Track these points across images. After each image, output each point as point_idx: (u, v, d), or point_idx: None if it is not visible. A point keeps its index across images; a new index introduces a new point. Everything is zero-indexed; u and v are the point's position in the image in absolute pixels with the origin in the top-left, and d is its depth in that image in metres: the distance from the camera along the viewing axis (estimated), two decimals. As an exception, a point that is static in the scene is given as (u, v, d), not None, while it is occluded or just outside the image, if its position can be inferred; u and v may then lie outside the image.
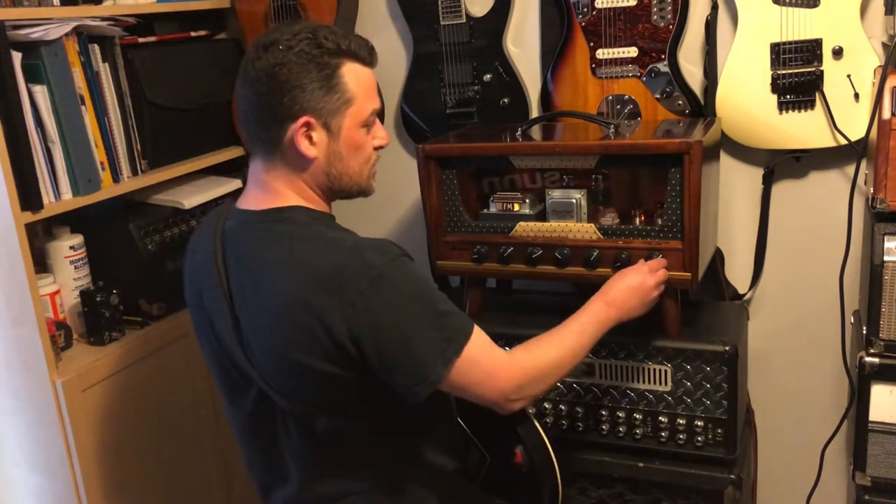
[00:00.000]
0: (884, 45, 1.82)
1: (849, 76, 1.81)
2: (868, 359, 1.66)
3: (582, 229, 1.76)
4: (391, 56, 2.28)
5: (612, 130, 1.76)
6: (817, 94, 1.84)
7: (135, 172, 2.00)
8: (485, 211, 1.87)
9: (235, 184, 2.22)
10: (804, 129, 1.88)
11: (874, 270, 1.62)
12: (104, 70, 1.91)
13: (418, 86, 2.23)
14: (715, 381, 1.72)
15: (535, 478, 1.46)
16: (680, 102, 1.98)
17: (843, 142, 1.85)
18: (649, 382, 1.77)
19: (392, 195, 2.38)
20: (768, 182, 2.03)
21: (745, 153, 2.03)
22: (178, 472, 2.02)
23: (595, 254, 1.73)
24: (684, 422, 1.75)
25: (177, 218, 2.06)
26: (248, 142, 1.33)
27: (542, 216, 1.83)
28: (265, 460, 1.40)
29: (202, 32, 2.29)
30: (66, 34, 1.76)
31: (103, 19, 1.88)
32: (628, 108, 2.01)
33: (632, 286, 1.53)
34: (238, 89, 1.31)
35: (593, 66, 2.01)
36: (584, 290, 2.13)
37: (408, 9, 2.17)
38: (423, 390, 1.24)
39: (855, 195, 1.89)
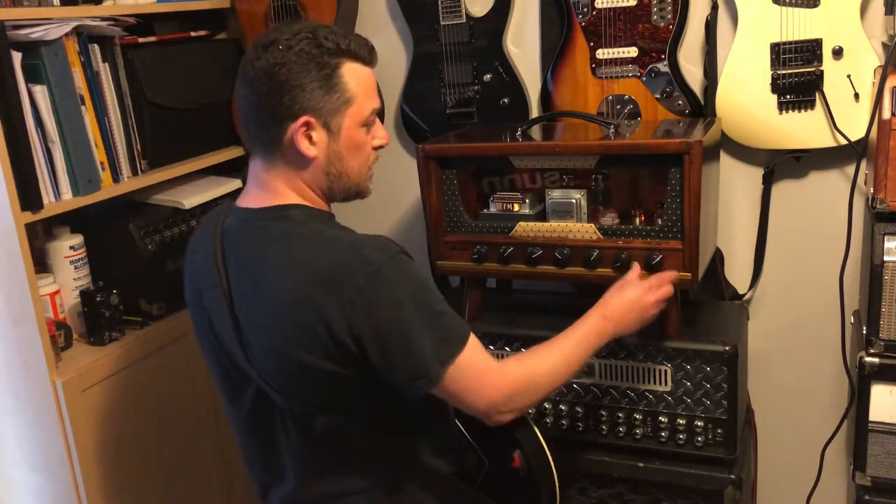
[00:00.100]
0: (884, 45, 1.82)
1: (849, 76, 1.81)
2: (868, 359, 1.66)
3: (582, 229, 1.76)
4: (391, 56, 2.28)
5: (612, 130, 1.76)
6: (817, 94, 1.84)
7: (135, 172, 2.00)
8: (485, 211, 1.87)
9: (235, 184, 2.22)
10: (804, 129, 1.88)
11: (874, 270, 1.62)
12: (104, 70, 1.91)
13: (418, 86, 2.23)
14: (715, 381, 1.72)
15: (533, 483, 1.45)
16: (680, 102, 1.98)
17: (843, 142, 1.85)
18: (649, 382, 1.77)
19: (392, 195, 2.38)
20: (768, 182, 2.03)
21: (745, 153, 2.03)
22: (178, 472, 2.02)
23: (595, 254, 1.73)
24: (684, 422, 1.75)
25: (177, 218, 2.06)
26: (248, 141, 1.33)
27: (542, 216, 1.83)
28: (264, 459, 1.40)
29: (202, 32, 2.29)
30: (66, 34, 1.76)
31: (103, 19, 1.88)
32: (628, 108, 2.01)
33: (630, 301, 1.51)
34: (238, 89, 1.31)
35: (593, 66, 2.01)
36: (584, 290, 2.15)
37: (408, 9, 2.17)
38: (424, 386, 1.24)
39: (855, 195, 1.89)
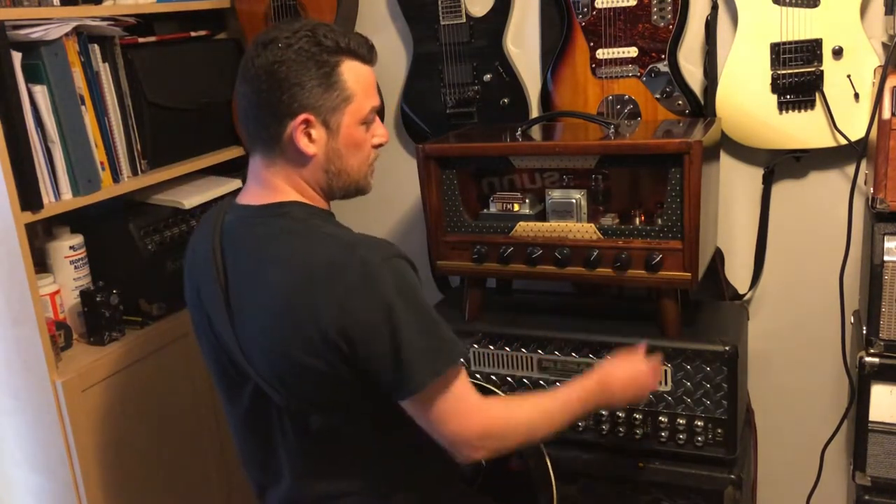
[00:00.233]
0: (884, 45, 1.82)
1: (849, 76, 1.81)
2: (868, 359, 1.66)
3: (582, 229, 1.76)
4: (391, 56, 2.28)
5: (612, 130, 1.76)
6: (817, 94, 1.84)
7: (135, 172, 2.00)
8: (485, 211, 1.87)
9: (235, 184, 2.22)
10: (804, 129, 1.88)
11: (874, 270, 1.62)
12: (104, 70, 1.91)
13: (418, 86, 2.23)
14: (715, 381, 1.72)
15: (531, 484, 1.45)
16: (680, 102, 1.98)
17: (843, 142, 1.85)
18: (649, 382, 1.77)
19: (392, 195, 2.38)
20: (768, 182, 2.03)
21: (745, 153, 2.03)
22: (178, 472, 2.02)
23: (595, 254, 1.73)
24: (684, 422, 1.75)
25: (177, 218, 2.07)
26: (248, 139, 1.33)
27: (542, 216, 1.83)
28: (261, 458, 1.40)
29: (202, 32, 2.29)
30: (66, 34, 1.76)
31: (103, 19, 1.88)
32: (628, 108, 2.01)
33: (632, 376, 1.46)
34: (238, 87, 1.31)
35: (593, 66, 2.01)
36: (584, 290, 2.16)
37: (408, 9, 2.17)
38: (404, 393, 1.22)
39: (855, 195, 1.89)
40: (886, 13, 1.79)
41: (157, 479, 1.97)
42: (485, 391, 1.52)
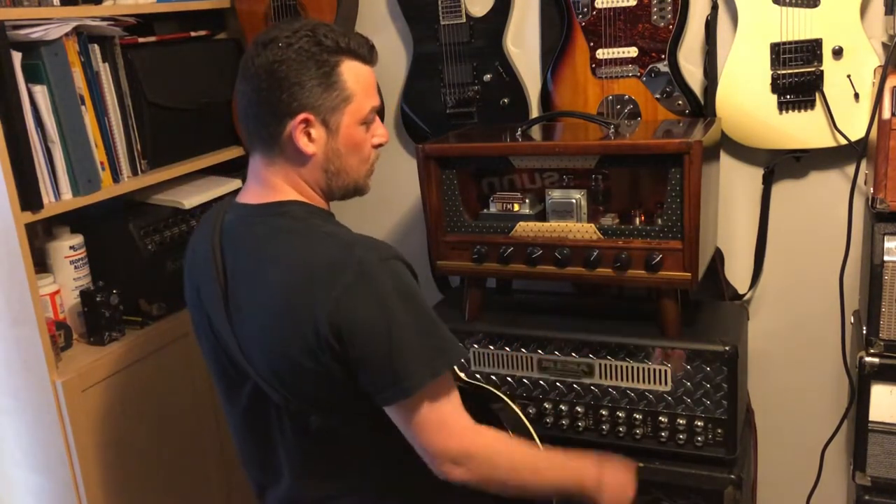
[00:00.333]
0: (884, 45, 1.82)
1: (849, 76, 1.81)
2: (868, 359, 1.66)
3: (582, 229, 1.76)
4: (391, 56, 2.28)
5: (612, 130, 1.76)
6: (817, 94, 1.84)
7: (135, 172, 2.00)
8: (485, 211, 1.87)
9: (235, 184, 2.22)
10: (804, 129, 1.88)
11: (874, 270, 1.62)
12: (104, 70, 1.91)
13: (418, 86, 2.23)
14: (715, 381, 1.72)
15: None
16: (680, 102, 1.98)
17: (843, 142, 1.85)
18: (649, 382, 1.77)
19: (392, 195, 2.38)
20: (768, 182, 2.03)
21: (745, 153, 2.03)
22: (178, 472, 2.02)
23: (595, 254, 1.73)
24: (684, 422, 1.75)
25: (177, 218, 2.07)
26: (248, 138, 1.33)
27: (542, 216, 1.83)
28: (260, 458, 1.40)
29: (202, 32, 2.29)
30: (66, 34, 1.76)
31: (103, 19, 1.88)
32: (628, 108, 2.01)
33: (626, 481, 1.43)
34: (238, 86, 1.31)
35: (593, 66, 2.01)
36: (584, 290, 2.16)
37: (408, 9, 2.17)
38: (399, 394, 1.20)
39: (855, 195, 1.89)
40: (886, 13, 1.79)
41: (157, 479, 1.97)
42: (486, 391, 1.52)
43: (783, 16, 1.82)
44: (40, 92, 1.72)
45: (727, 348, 1.70)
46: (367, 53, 1.32)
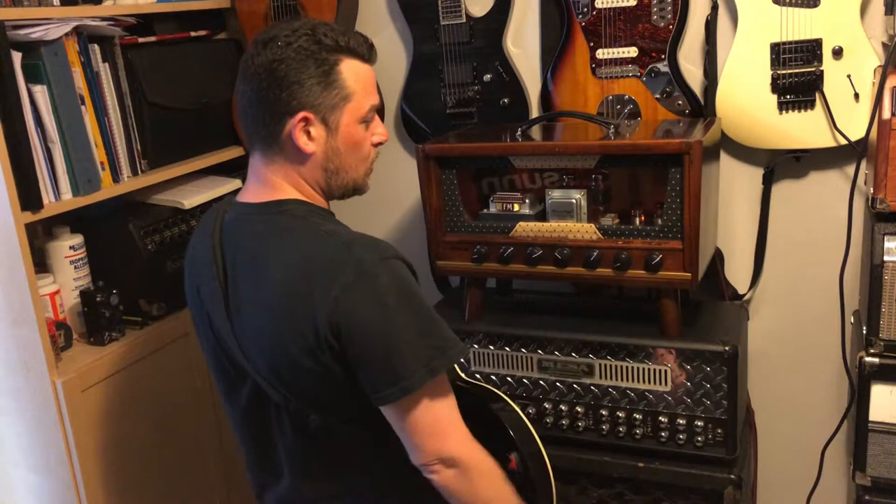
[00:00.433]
0: (884, 45, 1.82)
1: (849, 76, 1.81)
2: (868, 359, 1.66)
3: (582, 229, 1.76)
4: (391, 56, 2.28)
5: (612, 130, 1.76)
6: (817, 94, 1.84)
7: (135, 172, 2.00)
8: (485, 211, 1.87)
9: (235, 184, 2.22)
10: (804, 129, 1.88)
11: (874, 270, 1.62)
12: (104, 70, 1.91)
13: (418, 86, 2.23)
14: (715, 381, 1.72)
15: (530, 485, 1.45)
16: (680, 102, 1.98)
17: (843, 142, 1.85)
18: (649, 382, 1.77)
19: (392, 195, 2.38)
20: (768, 182, 2.03)
21: (745, 153, 2.03)
22: (178, 472, 2.02)
23: (595, 254, 1.73)
24: (684, 422, 1.75)
25: (177, 218, 2.07)
26: (248, 137, 1.33)
27: (542, 216, 1.83)
28: (260, 457, 1.40)
29: (202, 32, 2.29)
30: (66, 34, 1.76)
31: (103, 19, 1.88)
32: (628, 108, 2.01)
33: None
34: (238, 85, 1.31)
35: (593, 66, 2.01)
36: (584, 290, 2.15)
37: (408, 9, 2.17)
38: (389, 396, 1.20)
39: (855, 195, 1.89)
40: (886, 13, 1.79)
41: (157, 479, 1.97)
42: (486, 390, 1.52)
43: (783, 16, 1.82)
44: (40, 92, 1.72)
45: (727, 348, 1.70)
46: (366, 52, 1.32)
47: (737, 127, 1.94)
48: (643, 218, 1.79)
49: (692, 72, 2.01)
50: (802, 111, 1.87)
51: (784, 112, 1.88)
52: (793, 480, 2.16)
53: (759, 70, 1.87)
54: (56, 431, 1.74)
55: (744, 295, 2.11)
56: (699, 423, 1.75)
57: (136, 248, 1.95)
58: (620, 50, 1.98)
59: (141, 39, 2.04)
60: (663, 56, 1.95)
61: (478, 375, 1.91)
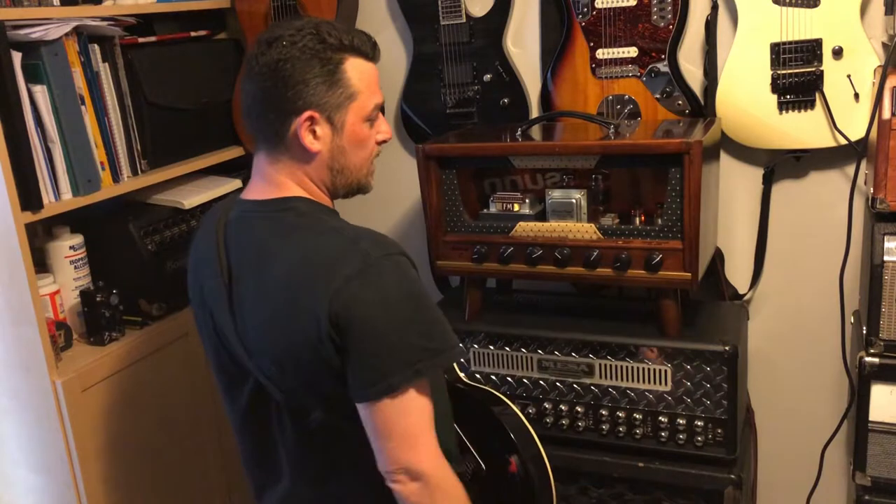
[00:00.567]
0: (884, 45, 1.82)
1: (849, 76, 1.81)
2: (868, 359, 1.66)
3: (582, 229, 1.76)
4: (391, 56, 2.28)
5: (612, 130, 1.76)
6: (817, 94, 1.84)
7: (135, 172, 2.00)
8: (485, 211, 1.87)
9: (235, 184, 2.22)
10: (804, 129, 1.88)
11: (874, 270, 1.62)
12: (104, 70, 1.91)
13: (418, 86, 2.23)
14: (715, 381, 1.72)
15: (530, 488, 1.45)
16: (680, 102, 1.98)
17: (843, 142, 1.85)
18: (649, 382, 1.77)
19: (392, 195, 2.38)
20: (768, 182, 2.03)
21: (745, 153, 2.03)
22: (178, 472, 2.02)
23: (595, 254, 1.73)
24: (684, 422, 1.75)
25: (177, 218, 2.07)
26: (253, 136, 1.33)
27: (542, 216, 1.83)
28: (259, 457, 1.40)
29: (202, 32, 2.29)
30: (66, 34, 1.76)
31: (103, 19, 1.88)
32: (628, 108, 2.01)
33: None
34: (242, 84, 1.31)
35: (593, 66, 2.01)
36: (584, 290, 2.15)
37: (408, 9, 2.17)
38: (371, 393, 1.19)
39: (855, 195, 1.89)
40: (886, 13, 1.79)
41: (157, 479, 1.97)
42: (486, 393, 1.52)
43: (783, 16, 1.82)
44: (40, 92, 1.72)
45: (727, 348, 1.70)
46: (370, 51, 1.32)
47: (737, 127, 1.94)
48: (643, 218, 1.79)
49: (692, 72, 2.01)
50: (802, 111, 1.87)
51: (784, 112, 1.88)
52: (793, 480, 2.16)
53: (759, 70, 1.87)
54: (56, 431, 1.74)
55: (744, 295, 2.11)
56: (699, 423, 1.75)
57: (136, 248, 1.95)
58: (620, 50, 1.98)
59: (141, 39, 2.04)
60: (663, 56, 1.95)
61: (478, 376, 1.91)
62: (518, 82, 2.14)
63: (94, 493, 1.79)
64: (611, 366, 1.79)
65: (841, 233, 1.88)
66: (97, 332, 1.86)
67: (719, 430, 1.74)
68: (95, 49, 1.88)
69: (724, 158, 2.04)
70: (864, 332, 1.67)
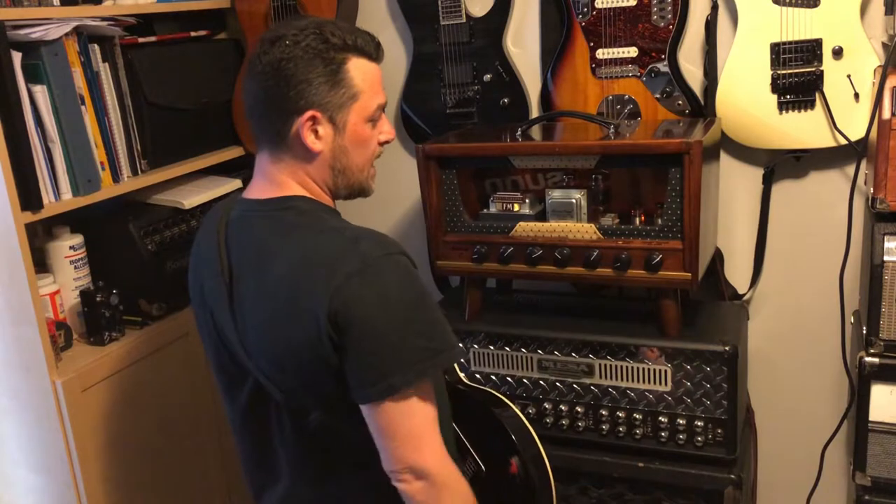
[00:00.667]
0: (884, 45, 1.82)
1: (849, 76, 1.81)
2: (868, 359, 1.66)
3: (582, 229, 1.76)
4: (391, 56, 2.28)
5: (612, 130, 1.76)
6: (817, 94, 1.84)
7: (135, 172, 2.00)
8: (485, 211, 1.87)
9: (235, 184, 2.22)
10: (804, 129, 1.88)
11: (874, 270, 1.62)
12: (104, 70, 1.91)
13: (418, 86, 2.23)
14: (715, 381, 1.72)
15: (530, 489, 1.45)
16: (680, 102, 1.98)
17: (843, 142, 1.85)
18: (649, 382, 1.77)
19: (392, 195, 2.38)
20: (768, 182, 2.03)
21: (745, 153, 2.03)
22: (178, 472, 2.02)
23: (595, 254, 1.73)
24: (684, 422, 1.75)
25: (177, 218, 2.07)
26: (255, 135, 1.33)
27: (542, 216, 1.83)
28: (258, 458, 1.40)
29: (202, 32, 2.29)
30: (66, 34, 1.76)
31: (103, 19, 1.88)
32: (628, 108, 2.01)
33: None
34: (245, 84, 1.31)
35: (593, 66, 2.01)
36: (584, 290, 2.15)
37: (408, 9, 2.17)
38: (374, 394, 1.19)
39: (855, 195, 1.89)
40: (886, 13, 1.79)
41: (157, 479, 1.97)
42: (487, 394, 1.52)
43: (783, 16, 1.82)
44: (40, 92, 1.72)
45: (727, 348, 1.70)
46: (373, 51, 1.32)
47: (737, 127, 1.94)
48: (643, 218, 1.79)
49: (692, 72, 2.01)
50: (802, 111, 1.87)
51: (784, 112, 1.88)
52: (793, 480, 2.16)
53: (759, 70, 1.87)
54: (56, 431, 1.74)
55: (744, 295, 2.11)
56: (699, 423, 1.75)
57: (136, 248, 1.95)
58: (620, 50, 1.98)
59: (141, 39, 2.04)
60: (663, 56, 1.96)
61: (478, 376, 1.91)
62: (518, 82, 2.14)
63: (94, 493, 1.79)
64: (611, 366, 1.79)
65: (841, 233, 1.88)
66: (97, 332, 1.86)
67: (719, 430, 1.74)
68: (95, 49, 1.88)
69: (724, 158, 2.04)
70: (864, 332, 1.67)
